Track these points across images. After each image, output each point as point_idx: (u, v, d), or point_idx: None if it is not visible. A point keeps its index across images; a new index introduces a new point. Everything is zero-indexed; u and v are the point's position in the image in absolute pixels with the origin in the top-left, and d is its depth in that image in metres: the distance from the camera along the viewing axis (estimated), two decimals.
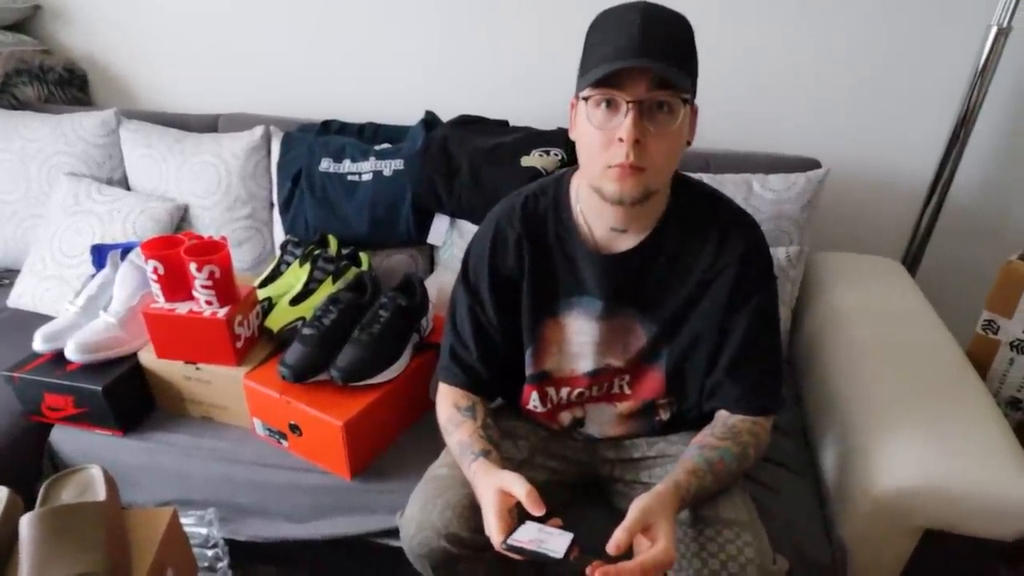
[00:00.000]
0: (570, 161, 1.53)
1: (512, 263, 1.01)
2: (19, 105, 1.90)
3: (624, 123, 0.81)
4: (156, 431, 1.32)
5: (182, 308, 1.24)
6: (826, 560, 1.07)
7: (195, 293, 1.22)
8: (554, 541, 0.78)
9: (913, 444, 1.04)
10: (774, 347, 1.00)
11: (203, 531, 1.23)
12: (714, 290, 0.96)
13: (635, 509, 0.80)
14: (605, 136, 0.84)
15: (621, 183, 0.85)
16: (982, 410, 1.11)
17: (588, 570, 0.75)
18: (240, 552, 1.23)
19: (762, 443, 0.97)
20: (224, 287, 1.22)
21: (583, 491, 1.14)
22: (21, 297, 1.64)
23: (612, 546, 0.76)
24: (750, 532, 0.90)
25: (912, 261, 1.67)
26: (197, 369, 1.28)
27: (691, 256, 0.96)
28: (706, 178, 1.45)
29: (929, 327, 1.34)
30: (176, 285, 1.24)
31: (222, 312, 1.22)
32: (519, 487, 0.83)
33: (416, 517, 0.96)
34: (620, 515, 0.79)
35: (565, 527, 0.82)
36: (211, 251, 1.22)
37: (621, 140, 0.82)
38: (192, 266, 1.18)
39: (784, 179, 1.43)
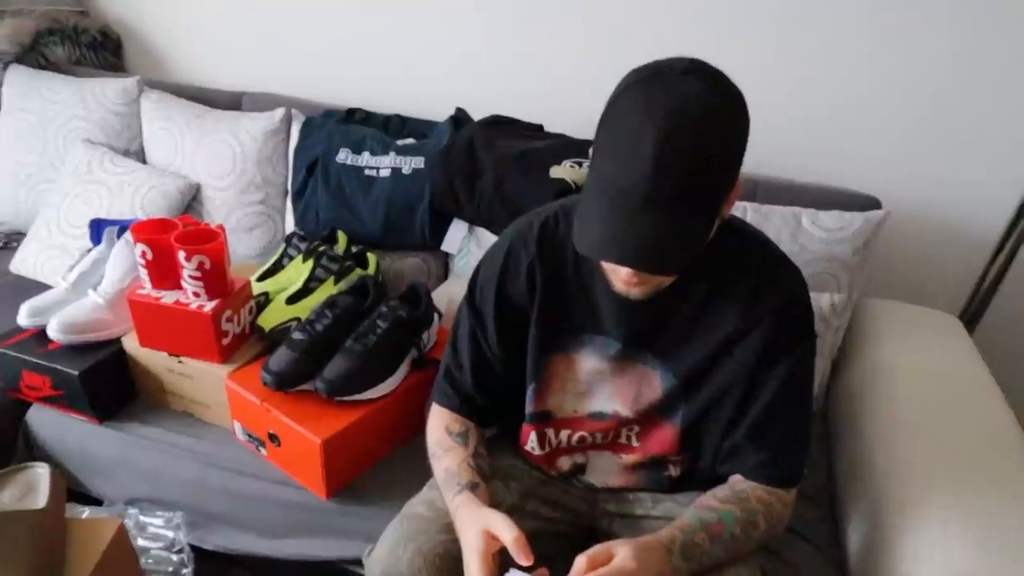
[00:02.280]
0: None
1: (523, 290, 0.91)
2: (48, 65, 1.86)
3: (622, 270, 0.76)
4: (134, 422, 1.25)
5: (168, 297, 1.16)
6: None
7: (183, 283, 1.14)
8: None
9: (952, 541, 0.91)
10: (803, 416, 0.88)
11: (169, 534, 1.17)
12: (743, 347, 0.84)
13: (602, 543, 0.74)
14: None
15: (626, 288, 0.80)
16: None
17: None
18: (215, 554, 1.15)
19: (776, 514, 0.86)
20: (214, 279, 1.14)
21: (576, 543, 1.02)
22: (23, 263, 1.60)
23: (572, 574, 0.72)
24: None
25: (972, 318, 1.52)
26: (180, 362, 1.20)
27: (722, 306, 0.85)
28: (751, 208, 1.31)
29: (986, 397, 1.19)
30: (164, 272, 1.16)
31: (209, 306, 1.14)
32: (506, 531, 0.74)
33: (383, 560, 0.87)
34: None
35: None
36: (204, 240, 1.14)
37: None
38: (181, 255, 1.10)
39: (838, 217, 1.28)
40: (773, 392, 0.84)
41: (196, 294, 1.15)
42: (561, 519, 1.01)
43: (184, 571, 1.16)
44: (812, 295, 0.87)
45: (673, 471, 0.95)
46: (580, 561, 0.71)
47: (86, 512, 1.13)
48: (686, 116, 0.66)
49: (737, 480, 0.88)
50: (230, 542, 1.14)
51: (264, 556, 1.12)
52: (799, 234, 1.29)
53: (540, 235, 0.91)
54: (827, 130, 1.49)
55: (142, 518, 1.17)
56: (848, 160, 1.50)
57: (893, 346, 1.34)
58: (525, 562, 0.73)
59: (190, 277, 1.12)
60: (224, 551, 1.13)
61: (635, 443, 0.95)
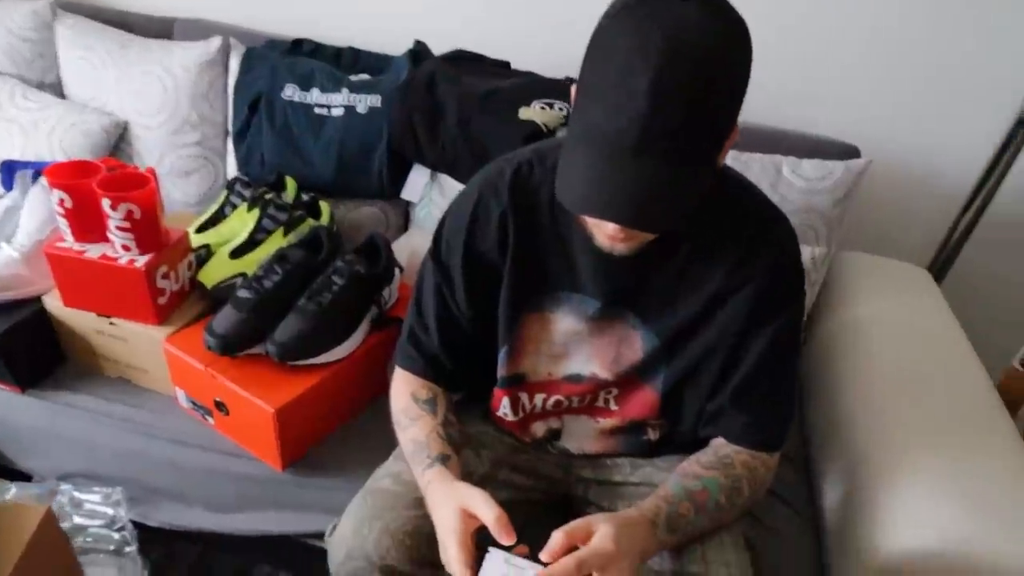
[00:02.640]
0: None
1: (493, 243, 0.83)
2: None
3: (607, 225, 0.68)
4: (62, 390, 1.13)
5: (94, 251, 1.03)
6: None
7: (110, 235, 1.01)
8: None
9: (927, 495, 0.90)
10: (790, 377, 0.84)
11: (109, 511, 1.08)
12: (732, 306, 0.79)
13: (582, 517, 0.68)
14: None
15: (611, 244, 0.73)
16: (1013, 464, 0.96)
17: None
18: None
19: (760, 479, 0.82)
20: (146, 231, 1.01)
21: (549, 509, 0.98)
22: None
23: (546, 552, 0.65)
24: None
25: (940, 270, 1.50)
26: (111, 323, 1.08)
27: (709, 262, 0.79)
28: (730, 155, 1.25)
29: (958, 351, 1.18)
30: (88, 223, 1.02)
31: (141, 261, 1.02)
32: (486, 510, 0.68)
33: (347, 541, 0.80)
34: None
35: (530, 554, 0.68)
36: (133, 185, 1.00)
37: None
38: (106, 203, 0.97)
39: (820, 166, 1.23)
40: (761, 353, 0.80)
41: (125, 247, 1.02)
42: (535, 487, 0.96)
43: (127, 549, 1.07)
44: None
45: (652, 435, 0.90)
46: (557, 537, 0.65)
47: (12, 490, 1.03)
48: (684, 46, 0.58)
49: (720, 444, 0.84)
50: (176, 518, 1.05)
51: (214, 532, 1.04)
52: (779, 184, 1.23)
53: (513, 183, 0.82)
54: (802, 75, 1.42)
55: (77, 494, 1.07)
56: (822, 106, 1.43)
57: (866, 301, 1.31)
58: (507, 542, 0.67)
59: (117, 228, 0.99)
60: (171, 527, 1.05)
61: (613, 407, 0.89)
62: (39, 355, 1.14)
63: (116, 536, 1.07)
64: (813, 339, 1.32)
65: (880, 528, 0.90)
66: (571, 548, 0.66)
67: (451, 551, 0.68)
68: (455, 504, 0.71)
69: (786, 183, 1.23)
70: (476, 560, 0.67)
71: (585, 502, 0.96)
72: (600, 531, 0.67)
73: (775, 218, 0.80)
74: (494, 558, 0.67)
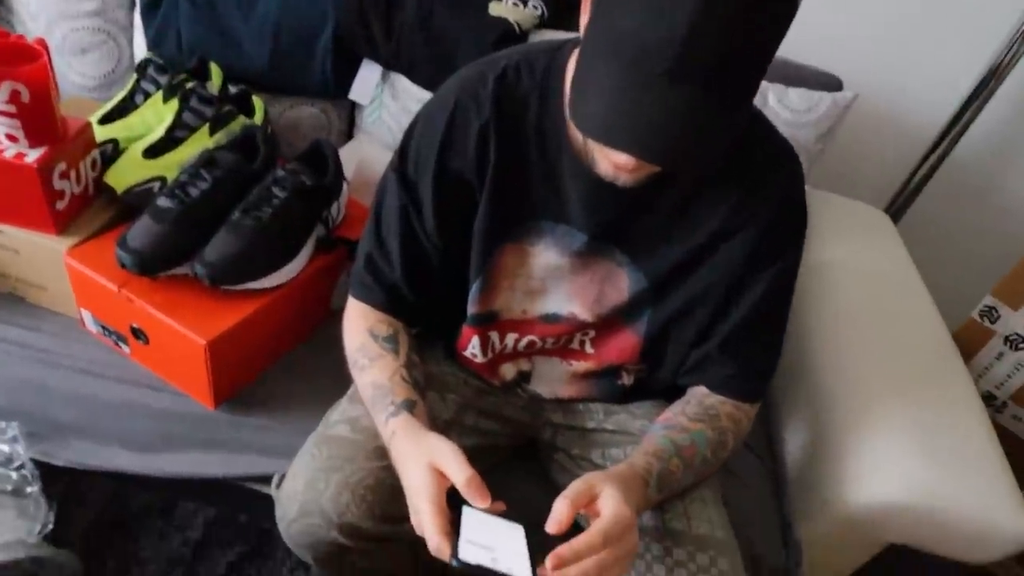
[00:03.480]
0: (552, 20, 1.17)
1: (471, 161, 0.72)
2: None
3: (618, 155, 0.57)
4: None
5: None
6: (779, 563, 0.93)
7: None
8: (510, 550, 0.57)
9: (892, 447, 0.90)
10: (782, 325, 0.79)
11: (4, 448, 0.93)
12: (730, 246, 0.72)
13: (580, 479, 0.62)
14: None
15: (615, 174, 0.63)
16: (970, 414, 0.97)
17: (540, 571, 0.55)
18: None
19: (743, 432, 0.79)
20: (37, 117, 0.82)
21: (513, 453, 0.92)
22: None
23: (553, 523, 0.58)
24: (727, 558, 0.73)
25: (896, 212, 1.50)
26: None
27: (709, 199, 0.71)
28: None
29: (916, 298, 1.18)
30: None
31: (33, 155, 0.83)
32: (457, 472, 0.61)
33: (299, 496, 0.71)
34: (558, 490, 0.61)
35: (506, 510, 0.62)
36: (18, 59, 0.80)
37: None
38: None
39: (806, 96, 1.15)
40: (757, 298, 0.74)
41: (11, 137, 0.83)
42: (500, 431, 0.89)
43: (29, 489, 0.94)
44: None
45: (627, 380, 0.85)
46: (562, 507, 0.58)
47: None
48: None
49: (703, 394, 0.79)
50: (88, 457, 0.91)
51: (135, 473, 0.92)
52: (766, 112, 1.15)
53: (497, 91, 0.71)
54: None
55: None
56: (803, 29, 1.34)
57: (828, 243, 1.28)
58: (481, 504, 0.60)
59: (1, 114, 0.80)
60: (83, 468, 0.91)
61: (589, 349, 0.82)
62: None
63: (14, 476, 0.93)
64: None
65: (846, 479, 0.90)
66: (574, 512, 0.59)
67: (424, 516, 0.60)
68: (425, 461, 0.62)
69: (772, 113, 1.15)
70: (452, 521, 0.59)
71: (553, 448, 0.90)
72: (607, 495, 0.60)
73: (786, 152, 0.73)
74: (471, 520, 0.60)
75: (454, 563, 0.54)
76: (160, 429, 0.92)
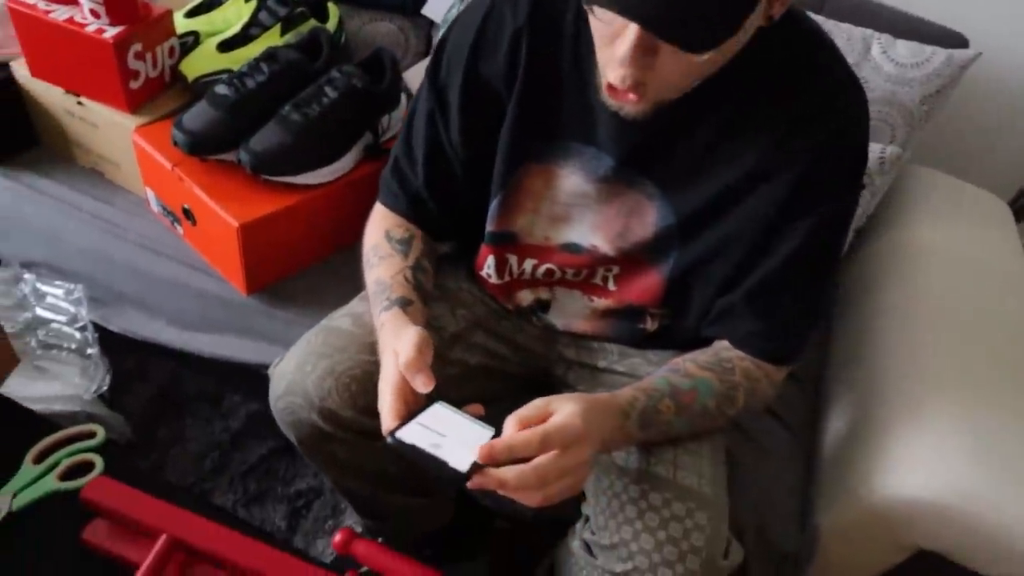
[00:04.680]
0: None
1: (501, 68, 0.69)
2: None
3: (623, 39, 0.52)
4: (30, 172, 1.05)
5: (61, 13, 0.90)
6: (792, 549, 0.86)
7: None
8: (462, 443, 0.55)
9: (938, 444, 0.80)
10: (820, 283, 0.71)
11: (71, 308, 1.02)
12: (769, 188, 0.65)
13: (542, 398, 0.59)
14: (607, 28, 0.54)
15: (619, 102, 0.59)
16: None
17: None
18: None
19: (760, 393, 0.72)
20: None
21: (523, 386, 0.89)
22: None
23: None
24: (706, 513, 0.66)
25: (1021, 207, 1.31)
26: (80, 104, 0.97)
27: (750, 133, 0.64)
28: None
29: (1020, 301, 1.03)
30: None
31: (111, 32, 0.89)
32: (403, 350, 0.59)
33: (288, 375, 0.73)
34: None
35: (489, 420, 0.60)
36: None
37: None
38: None
39: (917, 49, 1.02)
40: (793, 249, 0.66)
41: (95, 13, 0.89)
42: (511, 358, 0.87)
43: (90, 351, 1.03)
44: None
45: (649, 324, 0.80)
46: (509, 422, 0.56)
47: None
48: None
49: (723, 347, 0.73)
50: (138, 327, 0.99)
51: (174, 348, 0.98)
52: (863, 65, 1.04)
53: None
54: None
55: (39, 285, 1.02)
56: None
57: (928, 224, 1.15)
58: (422, 388, 0.58)
59: None
60: (132, 336, 0.99)
61: (611, 286, 0.78)
62: (7, 129, 1.04)
63: (78, 336, 1.03)
64: (857, 254, 1.17)
65: (881, 468, 0.81)
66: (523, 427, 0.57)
67: (385, 398, 0.59)
68: (393, 348, 0.62)
69: (872, 65, 1.03)
70: (413, 414, 0.58)
71: (564, 384, 0.87)
72: (563, 409, 0.57)
73: (848, 85, 0.64)
74: (438, 414, 0.59)
75: (389, 440, 0.53)
76: (202, 309, 0.98)
